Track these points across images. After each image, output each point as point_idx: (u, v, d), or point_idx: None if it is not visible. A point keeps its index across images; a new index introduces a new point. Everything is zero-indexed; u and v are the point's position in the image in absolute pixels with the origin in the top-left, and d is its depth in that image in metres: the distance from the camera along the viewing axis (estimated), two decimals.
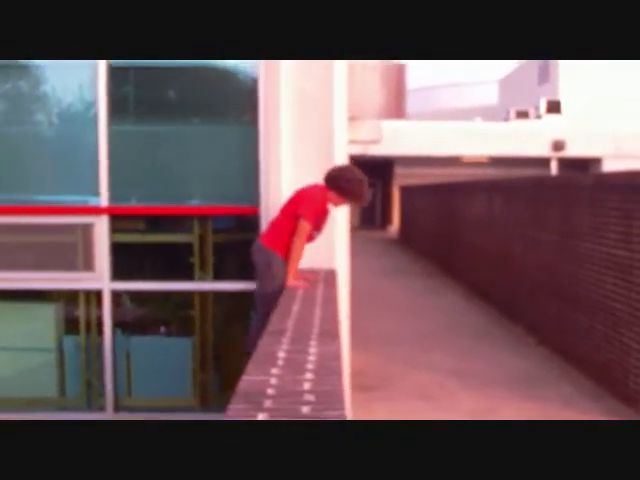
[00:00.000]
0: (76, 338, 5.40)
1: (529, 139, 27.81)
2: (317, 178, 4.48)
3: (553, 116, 29.68)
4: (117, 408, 5.32)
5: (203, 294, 5.35)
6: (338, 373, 2.41)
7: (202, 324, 5.36)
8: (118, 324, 5.34)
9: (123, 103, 5.27)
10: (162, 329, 5.66)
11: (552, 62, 31.09)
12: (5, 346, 5.49)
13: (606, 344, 7.35)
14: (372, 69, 10.13)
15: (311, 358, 2.59)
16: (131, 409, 5.33)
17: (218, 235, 5.33)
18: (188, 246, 5.31)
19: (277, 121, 4.94)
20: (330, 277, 4.64)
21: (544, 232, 9.61)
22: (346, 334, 6.23)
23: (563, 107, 29.97)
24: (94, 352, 5.36)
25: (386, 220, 32.78)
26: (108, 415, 5.28)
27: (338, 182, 4.36)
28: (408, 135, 27.15)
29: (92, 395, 5.40)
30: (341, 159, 5.51)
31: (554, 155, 28.21)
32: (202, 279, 5.32)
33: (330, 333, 3.04)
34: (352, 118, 9.02)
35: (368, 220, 32.46)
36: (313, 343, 2.84)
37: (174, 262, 5.52)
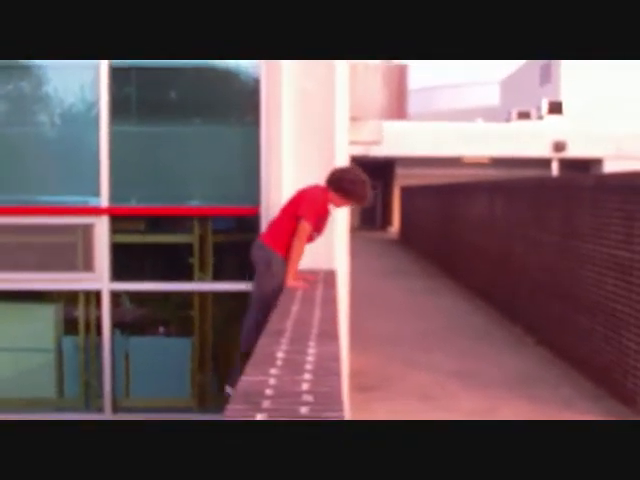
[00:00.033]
0: (75, 339, 5.39)
1: (530, 140, 27.82)
2: (318, 178, 4.47)
3: (555, 117, 29.68)
4: (115, 409, 5.31)
5: (202, 295, 5.34)
6: (337, 374, 2.40)
7: (201, 325, 5.35)
8: (117, 324, 5.34)
9: (124, 104, 5.27)
10: (161, 329, 5.66)
11: (554, 63, 31.09)
12: (4, 346, 5.49)
13: (606, 345, 7.34)
14: (374, 70, 10.12)
15: (310, 359, 2.59)
16: (129, 410, 5.33)
17: (218, 236, 5.33)
18: (188, 247, 5.31)
19: (278, 121, 4.93)
20: (330, 277, 4.63)
21: (545, 233, 9.60)
22: (345, 335, 6.23)
23: (565, 108, 29.97)
24: (93, 353, 5.36)
25: (386, 221, 32.78)
26: (106, 416, 5.27)
27: (341, 183, 4.33)
28: (409, 136, 27.17)
29: (90, 396, 5.39)
30: (342, 160, 5.51)
31: (555, 156, 28.21)
32: (202, 280, 5.31)
33: (329, 334, 3.03)
34: (354, 119, 9.02)
35: (368, 220, 32.46)
36: (312, 344, 2.83)
37: (174, 262, 5.52)
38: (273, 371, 2.42)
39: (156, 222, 5.45)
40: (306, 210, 4.22)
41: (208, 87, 5.34)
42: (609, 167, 25.60)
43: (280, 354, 2.66)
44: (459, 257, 15.35)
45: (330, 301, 3.84)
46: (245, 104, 5.28)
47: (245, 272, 4.92)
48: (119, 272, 5.25)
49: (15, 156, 5.34)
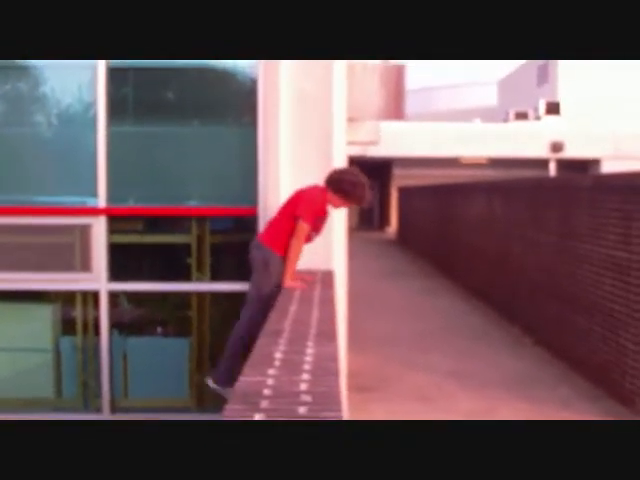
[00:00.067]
0: (73, 339, 5.39)
1: (528, 140, 27.86)
2: (316, 179, 4.46)
3: (552, 117, 29.70)
4: (113, 409, 5.31)
5: (200, 295, 5.34)
6: (335, 374, 2.40)
7: (199, 325, 5.35)
8: (115, 325, 5.33)
9: (122, 104, 5.26)
10: (159, 330, 5.65)
11: (551, 63, 31.12)
12: (1, 346, 5.48)
13: (604, 345, 7.35)
14: (371, 70, 10.12)
15: (308, 359, 2.58)
16: (127, 410, 5.32)
17: (216, 236, 5.32)
18: (186, 247, 5.30)
19: (276, 122, 4.93)
20: (328, 278, 4.63)
21: (543, 233, 9.61)
22: (343, 335, 6.23)
23: (562, 108, 30.00)
24: (91, 353, 5.35)
25: (384, 221, 32.78)
26: (104, 416, 5.27)
27: (341, 185, 4.32)
28: (407, 136, 27.19)
29: (88, 396, 5.39)
30: (340, 160, 5.50)
31: (553, 156, 28.25)
32: (199, 280, 5.31)
33: (327, 334, 3.03)
34: (351, 119, 9.02)
35: (366, 221, 32.46)
36: (310, 344, 2.83)
37: (171, 263, 5.52)
38: (271, 371, 2.42)
39: (154, 222, 5.44)
40: (304, 210, 4.22)
41: (206, 87, 5.34)
42: (607, 167, 25.66)
43: (278, 354, 2.66)
44: (457, 257, 15.36)
45: (328, 301, 3.84)
46: (243, 104, 5.28)
47: (243, 272, 4.92)
48: (117, 272, 5.25)
49: (12, 156, 5.33)
